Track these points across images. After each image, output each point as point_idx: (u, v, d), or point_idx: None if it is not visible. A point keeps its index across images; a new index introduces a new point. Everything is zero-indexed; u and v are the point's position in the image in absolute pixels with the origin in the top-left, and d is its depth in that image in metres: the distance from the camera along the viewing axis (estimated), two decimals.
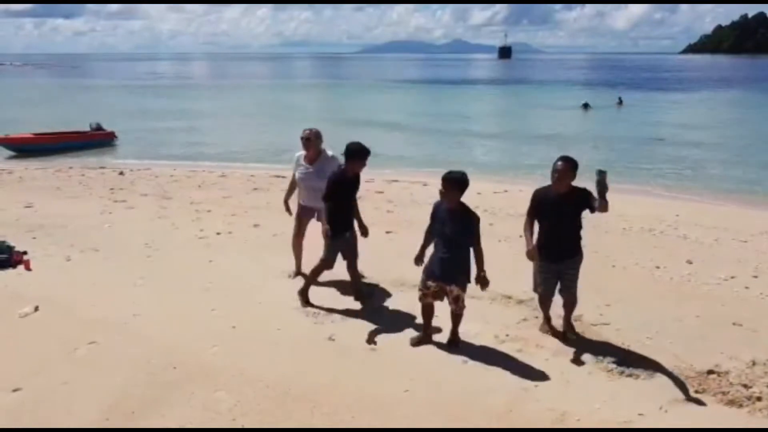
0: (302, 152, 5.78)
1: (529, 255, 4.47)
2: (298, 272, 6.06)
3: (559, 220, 4.41)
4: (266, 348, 4.51)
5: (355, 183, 5.31)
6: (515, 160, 16.08)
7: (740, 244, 7.56)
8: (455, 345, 4.54)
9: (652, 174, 14.32)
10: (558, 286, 4.60)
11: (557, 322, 4.84)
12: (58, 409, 3.71)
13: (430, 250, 4.54)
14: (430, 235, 4.51)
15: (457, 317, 4.52)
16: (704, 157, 16.84)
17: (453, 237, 4.26)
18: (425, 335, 4.64)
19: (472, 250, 4.33)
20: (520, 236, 5.00)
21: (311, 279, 5.38)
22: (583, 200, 4.32)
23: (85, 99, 38.58)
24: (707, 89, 49.64)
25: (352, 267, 5.45)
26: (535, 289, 4.74)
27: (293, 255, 6.10)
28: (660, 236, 7.93)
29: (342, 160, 5.24)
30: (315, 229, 5.65)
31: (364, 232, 5.48)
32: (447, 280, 4.34)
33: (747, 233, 8.08)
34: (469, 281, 4.37)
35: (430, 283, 4.42)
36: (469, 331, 4.75)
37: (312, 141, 5.67)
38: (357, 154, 5.10)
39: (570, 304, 4.65)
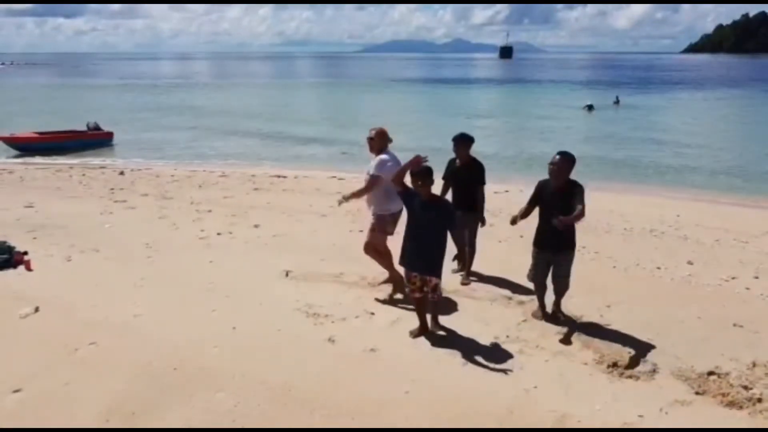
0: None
1: (511, 220, 4.94)
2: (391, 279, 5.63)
3: (554, 213, 4.61)
4: (267, 349, 4.51)
5: (462, 170, 5.66)
6: (516, 160, 16.08)
7: (741, 245, 7.55)
8: (438, 333, 4.71)
9: (652, 174, 14.33)
10: (551, 276, 4.93)
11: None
12: (58, 410, 3.71)
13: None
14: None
15: (435, 305, 4.72)
16: (705, 157, 16.84)
17: (432, 227, 4.43)
18: (421, 327, 4.75)
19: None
20: (521, 237, 5.01)
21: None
22: (578, 195, 4.55)
23: (84, 99, 38.59)
24: (708, 89, 49.61)
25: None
26: (529, 276, 5.05)
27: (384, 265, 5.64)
28: (661, 237, 7.93)
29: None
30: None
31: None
32: (428, 272, 4.51)
33: (748, 234, 8.08)
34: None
35: (414, 276, 4.58)
36: (469, 333, 4.76)
37: (373, 140, 5.46)
38: (454, 141, 5.68)
39: (561, 289, 4.94)
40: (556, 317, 5.01)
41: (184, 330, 4.81)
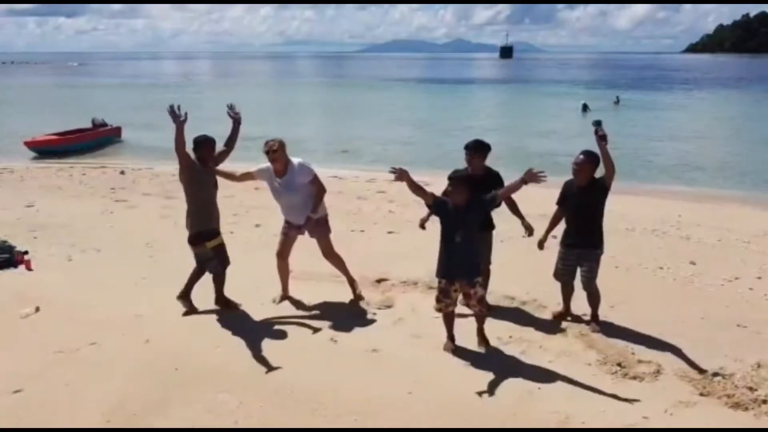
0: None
1: (539, 244, 4.84)
2: (286, 296, 5.50)
3: (579, 212, 4.65)
4: (269, 349, 4.49)
5: (479, 181, 4.71)
6: (515, 161, 16.02)
7: (744, 245, 7.53)
8: (486, 344, 4.52)
9: (654, 174, 14.30)
10: (581, 283, 4.81)
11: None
12: (59, 411, 3.69)
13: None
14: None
15: (482, 320, 4.49)
16: (706, 157, 16.81)
17: (469, 231, 4.20)
18: (451, 337, 4.55)
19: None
20: (523, 236, 4.98)
21: None
22: (601, 188, 4.53)
23: (83, 98, 38.59)
24: (708, 89, 49.57)
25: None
26: (555, 275, 4.95)
27: (279, 277, 5.47)
28: (663, 237, 7.91)
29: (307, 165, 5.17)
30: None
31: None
32: (471, 276, 4.27)
33: (750, 234, 8.05)
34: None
35: (455, 289, 4.31)
36: (472, 333, 4.74)
37: (278, 153, 4.91)
38: (468, 148, 4.93)
39: (590, 296, 4.82)
40: (594, 325, 4.85)
41: (185, 330, 4.80)
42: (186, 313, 5.10)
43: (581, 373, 4.17)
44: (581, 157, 4.56)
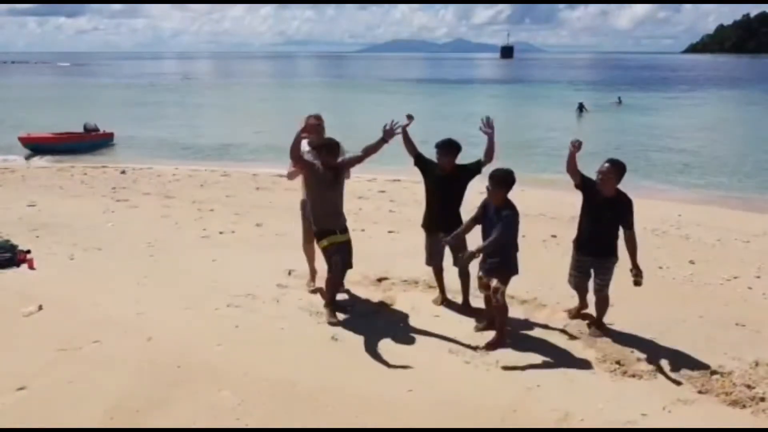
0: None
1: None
2: (314, 278, 5.72)
3: (597, 220, 4.57)
4: (270, 347, 4.52)
5: (450, 179, 5.04)
6: (514, 161, 16.03)
7: (743, 245, 7.56)
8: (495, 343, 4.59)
9: (654, 174, 14.31)
10: (592, 288, 4.80)
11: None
12: (62, 408, 3.71)
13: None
14: (472, 224, 4.68)
15: (499, 313, 4.57)
16: (706, 157, 16.83)
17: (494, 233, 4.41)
18: (488, 322, 4.77)
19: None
20: (523, 236, 5.00)
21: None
22: (622, 213, 4.49)
23: (81, 97, 38.61)
24: (709, 89, 49.58)
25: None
26: (569, 281, 4.94)
27: (307, 262, 5.71)
28: (662, 236, 7.93)
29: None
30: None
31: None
32: (489, 274, 4.54)
33: (749, 233, 8.08)
34: (511, 275, 4.55)
35: (480, 274, 4.70)
36: (471, 332, 4.77)
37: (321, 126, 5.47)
38: (439, 147, 5.06)
39: (600, 301, 4.77)
40: (595, 329, 4.78)
41: (187, 328, 4.82)
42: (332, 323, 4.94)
43: (580, 370, 4.20)
44: (606, 165, 4.44)
